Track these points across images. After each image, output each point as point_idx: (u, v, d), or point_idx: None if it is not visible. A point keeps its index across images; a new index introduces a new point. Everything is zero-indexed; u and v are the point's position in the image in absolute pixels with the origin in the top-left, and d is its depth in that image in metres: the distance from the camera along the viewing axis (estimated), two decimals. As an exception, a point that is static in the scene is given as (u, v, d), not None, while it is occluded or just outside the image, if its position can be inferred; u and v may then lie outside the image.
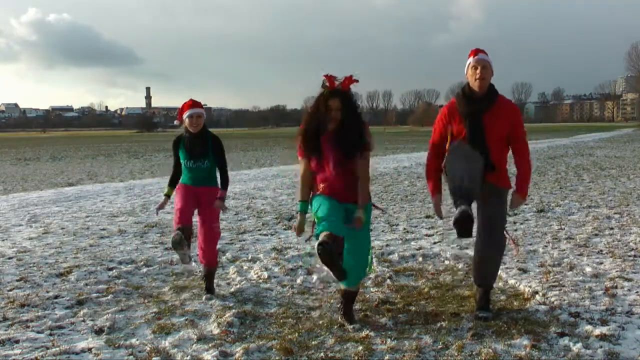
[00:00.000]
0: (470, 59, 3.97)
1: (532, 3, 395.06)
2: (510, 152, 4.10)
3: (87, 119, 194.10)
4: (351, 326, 3.89)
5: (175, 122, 4.81)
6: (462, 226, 3.78)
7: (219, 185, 4.75)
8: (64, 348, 3.60)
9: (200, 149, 4.62)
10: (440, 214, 4.16)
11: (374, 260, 5.16)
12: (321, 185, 3.91)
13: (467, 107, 3.94)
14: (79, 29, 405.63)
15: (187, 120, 4.59)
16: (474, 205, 3.98)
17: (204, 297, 4.63)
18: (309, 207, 3.95)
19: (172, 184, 4.77)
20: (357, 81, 3.88)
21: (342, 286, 4.03)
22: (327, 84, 3.84)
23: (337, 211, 3.77)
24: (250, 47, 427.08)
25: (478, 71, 3.91)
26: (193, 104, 4.61)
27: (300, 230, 3.92)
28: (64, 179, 16.05)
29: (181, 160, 4.69)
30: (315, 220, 3.84)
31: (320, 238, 3.58)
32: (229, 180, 4.78)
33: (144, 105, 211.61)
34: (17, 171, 19.52)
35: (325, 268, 3.68)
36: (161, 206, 4.77)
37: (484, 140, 3.89)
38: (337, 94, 3.81)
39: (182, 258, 4.53)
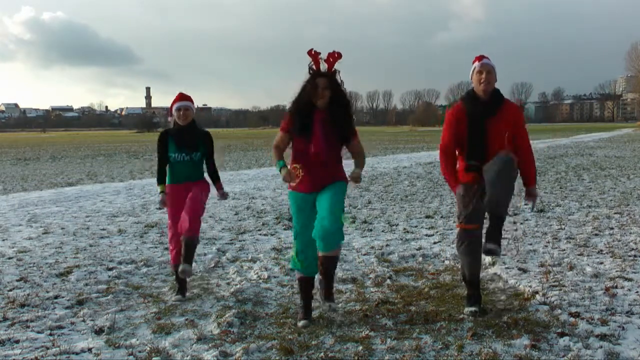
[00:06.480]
0: (476, 64, 4.10)
1: (532, 3, 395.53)
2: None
3: (87, 119, 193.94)
4: (328, 304, 3.97)
5: (169, 119, 4.84)
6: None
7: (209, 179, 4.78)
8: (64, 348, 3.61)
9: (191, 141, 4.64)
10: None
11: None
12: (300, 171, 3.95)
13: (471, 111, 4.07)
14: (75, 28, 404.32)
15: (175, 113, 4.65)
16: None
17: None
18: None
19: (163, 180, 4.72)
20: (340, 56, 3.94)
21: (320, 252, 3.89)
22: (314, 65, 3.92)
23: (310, 226, 3.90)
24: (250, 47, 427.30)
25: (483, 76, 4.04)
26: (181, 97, 4.68)
27: (290, 179, 3.93)
28: (64, 179, 16.03)
29: (170, 154, 4.64)
30: (293, 236, 4.08)
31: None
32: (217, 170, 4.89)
33: (144, 105, 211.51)
34: (17, 171, 19.51)
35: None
36: (164, 203, 4.70)
37: (483, 144, 4.02)
38: (323, 74, 3.90)
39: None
